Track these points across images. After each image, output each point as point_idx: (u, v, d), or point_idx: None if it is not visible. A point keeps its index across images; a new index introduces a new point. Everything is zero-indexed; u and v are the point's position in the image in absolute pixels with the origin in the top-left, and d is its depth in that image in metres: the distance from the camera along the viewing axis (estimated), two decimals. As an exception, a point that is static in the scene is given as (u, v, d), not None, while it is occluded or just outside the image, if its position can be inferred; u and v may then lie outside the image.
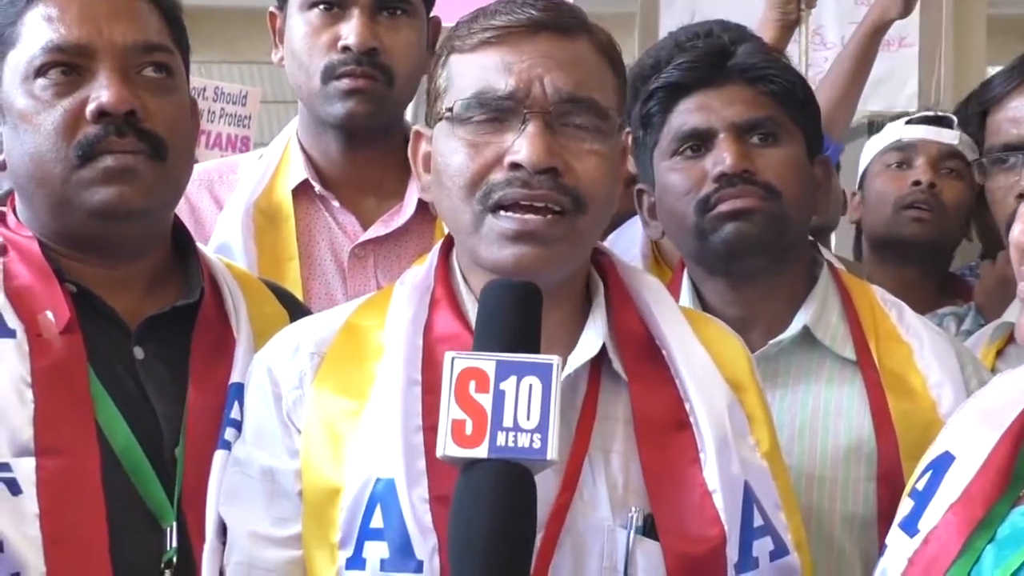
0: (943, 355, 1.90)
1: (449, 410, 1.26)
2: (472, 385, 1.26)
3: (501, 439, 1.24)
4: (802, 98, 1.98)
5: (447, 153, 1.51)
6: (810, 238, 2.07)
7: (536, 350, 1.31)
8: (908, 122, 3.06)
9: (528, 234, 1.47)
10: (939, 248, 2.99)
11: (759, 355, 1.90)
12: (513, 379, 1.26)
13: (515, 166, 1.46)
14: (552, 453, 1.25)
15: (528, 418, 1.25)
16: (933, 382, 1.87)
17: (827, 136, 2.82)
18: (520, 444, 1.24)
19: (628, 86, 2.53)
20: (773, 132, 1.92)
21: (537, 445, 1.24)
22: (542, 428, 1.24)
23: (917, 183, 2.94)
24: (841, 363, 1.92)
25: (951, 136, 2.98)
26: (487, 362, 1.27)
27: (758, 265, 1.92)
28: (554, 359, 1.28)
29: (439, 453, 1.27)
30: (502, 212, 1.48)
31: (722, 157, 1.89)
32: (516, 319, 1.33)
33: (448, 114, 1.51)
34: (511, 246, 1.47)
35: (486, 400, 1.25)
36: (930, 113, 3.13)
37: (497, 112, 1.48)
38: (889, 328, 1.94)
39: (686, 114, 1.95)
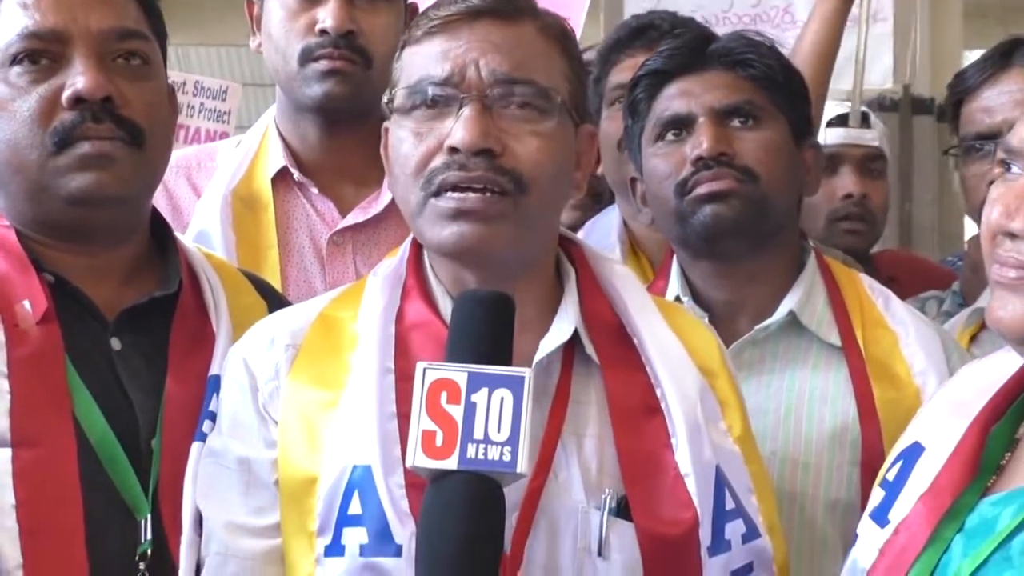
0: (929, 343, 1.91)
1: (420, 421, 1.26)
2: (443, 396, 1.26)
3: (471, 451, 1.25)
4: (782, 81, 1.98)
5: (396, 143, 1.54)
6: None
7: (508, 362, 1.32)
8: (828, 125, 2.95)
9: (467, 212, 1.47)
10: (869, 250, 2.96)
11: (746, 340, 1.92)
12: (484, 391, 1.27)
13: (453, 150, 1.48)
14: (522, 467, 1.26)
15: (499, 431, 1.26)
16: (918, 370, 1.88)
17: None
18: (490, 456, 1.25)
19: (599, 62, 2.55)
20: (753, 115, 1.93)
21: (507, 458, 1.25)
22: (513, 441, 1.25)
23: (848, 196, 2.90)
24: (827, 349, 1.93)
25: (872, 136, 2.91)
26: (459, 374, 1.28)
27: (740, 248, 1.93)
28: (526, 372, 1.29)
29: (408, 464, 1.28)
30: (443, 194, 1.49)
31: (699, 141, 1.91)
32: (488, 330, 1.33)
33: (393, 106, 1.54)
34: (451, 224, 1.48)
35: (457, 412, 1.26)
36: (846, 112, 3.03)
37: (436, 99, 1.50)
38: (875, 316, 1.95)
39: (668, 100, 1.97)
